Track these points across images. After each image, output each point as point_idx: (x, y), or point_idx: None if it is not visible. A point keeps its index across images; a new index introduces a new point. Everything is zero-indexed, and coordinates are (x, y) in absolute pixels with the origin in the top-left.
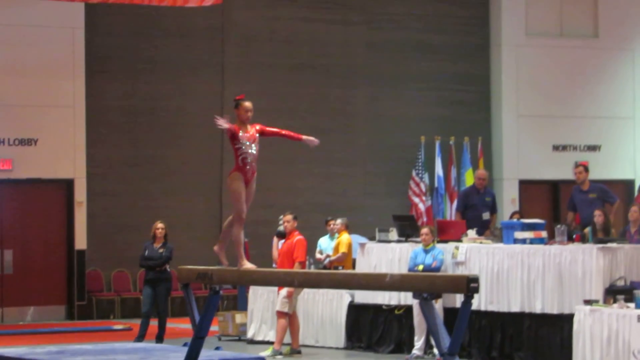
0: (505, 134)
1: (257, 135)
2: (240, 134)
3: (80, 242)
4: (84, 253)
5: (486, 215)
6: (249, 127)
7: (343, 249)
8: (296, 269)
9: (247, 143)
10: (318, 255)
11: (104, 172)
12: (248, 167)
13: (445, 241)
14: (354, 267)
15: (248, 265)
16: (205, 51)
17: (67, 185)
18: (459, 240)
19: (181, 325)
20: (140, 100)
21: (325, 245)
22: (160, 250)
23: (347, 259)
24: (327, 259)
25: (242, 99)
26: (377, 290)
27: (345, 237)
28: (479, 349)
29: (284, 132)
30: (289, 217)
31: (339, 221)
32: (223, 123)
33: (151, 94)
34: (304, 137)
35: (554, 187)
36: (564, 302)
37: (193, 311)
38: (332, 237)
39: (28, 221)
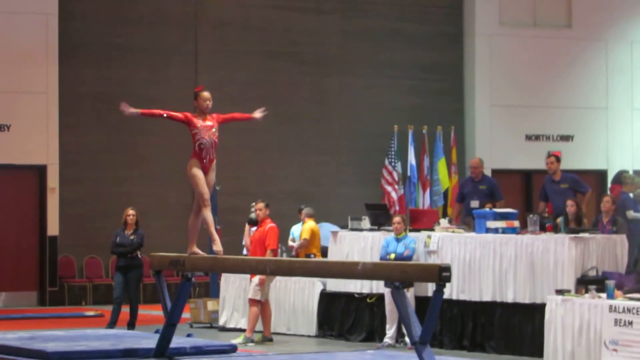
0: (478, 124)
1: (216, 124)
2: (196, 121)
3: (53, 228)
4: (56, 239)
5: (474, 203)
6: (207, 116)
7: (305, 236)
8: (268, 256)
9: (204, 130)
10: (290, 243)
11: (76, 158)
12: (204, 153)
13: (418, 230)
14: (324, 254)
15: (198, 251)
16: (179, 38)
17: (40, 172)
18: (431, 229)
19: (153, 312)
20: (114, 87)
21: (298, 233)
22: (132, 237)
23: (311, 246)
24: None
25: (201, 90)
26: (349, 279)
27: (308, 224)
28: (450, 338)
29: (236, 115)
30: (261, 204)
31: (304, 210)
32: (125, 108)
33: (124, 81)
34: (253, 114)
35: (527, 176)
36: (536, 292)
37: (165, 298)
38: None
39: (0, 207)
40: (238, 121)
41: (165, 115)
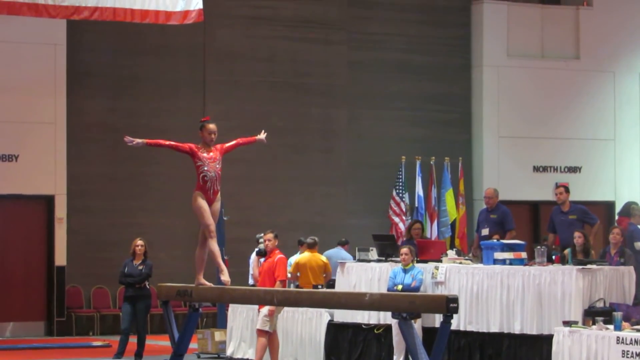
0: (485, 155)
1: (219, 156)
2: (200, 153)
3: (60, 258)
4: (64, 269)
5: (484, 232)
6: (212, 148)
7: (290, 270)
8: (277, 287)
9: (208, 162)
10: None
11: (84, 188)
12: (209, 185)
13: (425, 261)
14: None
15: (227, 277)
16: (187, 69)
17: (48, 202)
18: (439, 260)
19: (160, 343)
20: (122, 117)
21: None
22: (140, 268)
23: (305, 277)
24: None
25: (207, 121)
26: (356, 310)
27: (299, 256)
28: None
29: (240, 140)
30: (270, 235)
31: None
32: (129, 140)
33: (132, 111)
34: (257, 137)
35: (534, 208)
36: (543, 323)
37: (172, 328)
38: None
39: (8, 237)
40: (243, 146)
41: (169, 145)
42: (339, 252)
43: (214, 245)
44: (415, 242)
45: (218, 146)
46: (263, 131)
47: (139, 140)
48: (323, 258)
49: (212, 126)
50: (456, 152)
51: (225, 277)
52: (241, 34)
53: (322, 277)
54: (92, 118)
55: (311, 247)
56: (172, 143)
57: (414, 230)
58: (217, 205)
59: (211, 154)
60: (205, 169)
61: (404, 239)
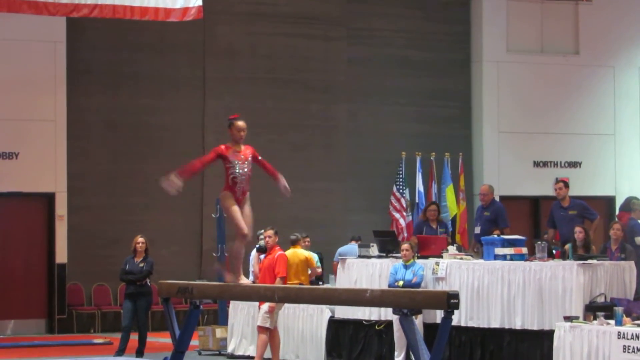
0: (485, 150)
1: (250, 157)
2: (230, 154)
3: (61, 255)
4: (65, 267)
5: (477, 230)
6: (242, 147)
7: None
8: (278, 284)
9: (237, 163)
10: None
11: (85, 186)
12: (238, 187)
13: (426, 257)
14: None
15: (244, 280)
16: (187, 66)
17: (48, 199)
18: (440, 256)
19: (161, 340)
20: (122, 114)
21: None
22: (141, 265)
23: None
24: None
25: (236, 119)
26: (357, 306)
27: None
28: None
29: (268, 166)
30: (270, 232)
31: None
32: (167, 186)
33: (132, 108)
34: (281, 181)
35: (535, 203)
36: (544, 319)
37: (173, 325)
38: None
39: (9, 235)
40: (264, 170)
41: (202, 166)
42: (352, 248)
43: (240, 246)
44: (431, 225)
45: (250, 149)
46: (286, 186)
47: (178, 183)
48: (305, 253)
49: (241, 123)
50: (456, 147)
51: (230, 279)
52: (241, 31)
53: (305, 273)
54: (92, 115)
55: (294, 243)
56: (203, 162)
57: (430, 212)
58: (247, 206)
59: (241, 155)
60: (236, 170)
61: (421, 219)
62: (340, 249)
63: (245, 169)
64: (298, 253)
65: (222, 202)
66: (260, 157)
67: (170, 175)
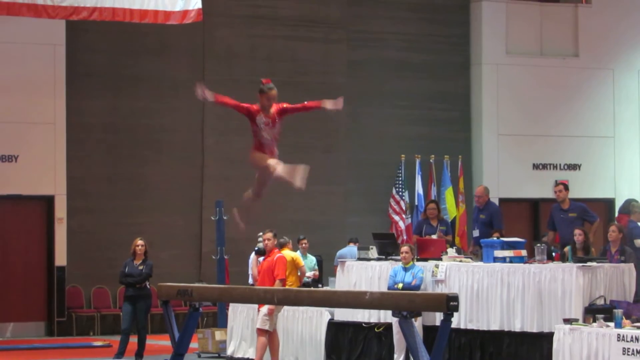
0: (485, 153)
1: (277, 118)
2: (258, 119)
3: (61, 258)
4: (64, 269)
5: (475, 232)
6: (270, 111)
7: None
8: (277, 286)
9: (263, 126)
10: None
11: (84, 188)
12: (264, 148)
13: (425, 259)
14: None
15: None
16: (186, 68)
17: (48, 202)
18: (439, 259)
19: (161, 342)
20: (121, 117)
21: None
22: (140, 267)
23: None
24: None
25: (269, 86)
26: (356, 308)
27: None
28: None
29: (307, 104)
30: (269, 234)
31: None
32: (201, 93)
33: (132, 111)
34: (323, 102)
35: (534, 205)
36: (544, 321)
37: (172, 328)
38: (304, 255)
39: (8, 237)
40: (308, 111)
41: (233, 104)
42: (351, 250)
43: (279, 170)
44: (431, 223)
45: (276, 107)
46: (339, 99)
47: (209, 94)
48: (292, 254)
49: (273, 92)
50: (456, 150)
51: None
52: (240, 33)
53: (295, 273)
54: (91, 118)
55: (281, 246)
56: (236, 104)
57: (429, 210)
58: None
59: (269, 119)
60: (262, 134)
61: (421, 218)
62: (340, 252)
63: (273, 132)
64: (285, 255)
65: (251, 158)
66: (288, 106)
67: (208, 91)
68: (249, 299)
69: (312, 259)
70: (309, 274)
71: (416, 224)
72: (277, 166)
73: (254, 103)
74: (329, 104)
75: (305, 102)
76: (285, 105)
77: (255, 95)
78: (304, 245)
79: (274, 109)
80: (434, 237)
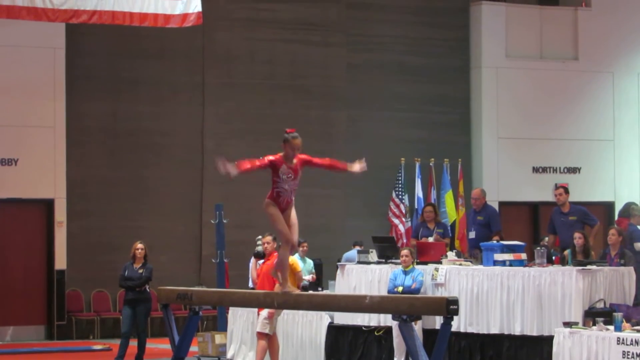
0: (485, 156)
1: (300, 170)
2: (280, 171)
3: (60, 262)
4: (64, 273)
5: (471, 234)
6: (294, 161)
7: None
8: (277, 289)
9: (285, 178)
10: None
11: (84, 192)
12: (281, 199)
13: (425, 262)
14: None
15: (291, 289)
16: (186, 72)
17: (48, 205)
18: (439, 262)
19: (160, 346)
20: (121, 120)
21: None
22: (140, 271)
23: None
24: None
25: (293, 135)
26: (356, 312)
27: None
28: None
29: (332, 164)
30: (268, 238)
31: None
32: (223, 168)
33: (132, 115)
34: (349, 165)
35: (534, 208)
36: (544, 324)
37: (172, 332)
38: (302, 258)
39: (8, 241)
40: (329, 170)
41: (257, 167)
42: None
43: (285, 254)
44: (428, 226)
45: (300, 159)
46: (363, 161)
47: (233, 172)
48: (290, 258)
49: (297, 142)
50: (455, 153)
51: (278, 288)
52: (240, 37)
53: (292, 277)
54: (91, 121)
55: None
56: (254, 166)
57: (426, 214)
58: (293, 211)
59: (291, 171)
60: (283, 186)
61: (419, 221)
62: (346, 255)
63: (291, 184)
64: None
65: (265, 209)
66: (313, 159)
67: (229, 164)
68: (248, 302)
69: (310, 263)
70: (307, 277)
71: (414, 228)
72: (288, 245)
73: (275, 153)
74: (355, 167)
75: (331, 161)
76: (310, 158)
77: (256, 97)
78: (304, 248)
79: (297, 159)
80: (430, 239)
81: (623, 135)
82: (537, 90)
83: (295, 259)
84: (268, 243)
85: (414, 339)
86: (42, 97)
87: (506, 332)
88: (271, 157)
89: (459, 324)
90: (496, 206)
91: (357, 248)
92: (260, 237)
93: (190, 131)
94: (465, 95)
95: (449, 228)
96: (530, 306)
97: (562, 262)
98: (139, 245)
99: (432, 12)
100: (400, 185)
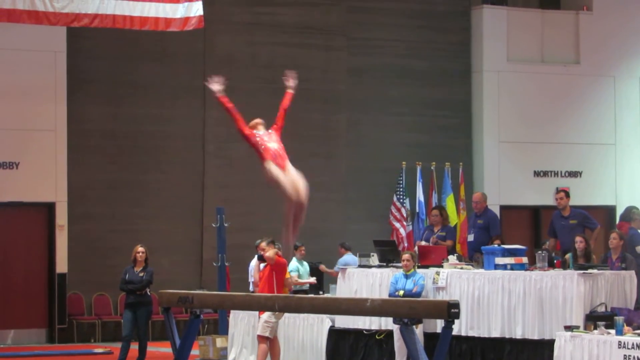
0: (486, 160)
1: (274, 133)
2: (255, 132)
3: (61, 265)
4: (65, 276)
5: (470, 237)
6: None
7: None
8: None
9: (264, 136)
10: (297, 280)
11: (85, 195)
12: (273, 152)
13: (426, 266)
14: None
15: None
16: (187, 75)
17: (49, 209)
18: (440, 266)
19: (162, 349)
20: (122, 124)
21: (294, 267)
22: (141, 274)
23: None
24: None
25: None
26: (357, 315)
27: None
28: None
29: (282, 107)
30: (263, 244)
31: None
32: (211, 84)
33: (133, 118)
34: (288, 90)
35: (535, 212)
36: (545, 328)
37: (174, 335)
38: (300, 261)
39: (9, 245)
40: (287, 109)
41: (235, 116)
42: (353, 258)
43: (289, 210)
44: (434, 229)
45: (273, 129)
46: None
47: (217, 87)
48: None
49: (256, 121)
50: (457, 157)
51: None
52: (241, 40)
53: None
54: (92, 125)
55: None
56: (238, 121)
57: (432, 217)
58: (290, 167)
59: (264, 135)
60: (263, 140)
61: (427, 225)
62: (342, 260)
63: (275, 142)
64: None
65: (266, 173)
66: (277, 121)
67: (217, 85)
68: (250, 306)
69: (307, 266)
70: (309, 280)
71: (422, 231)
72: (295, 204)
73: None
74: (290, 89)
75: (281, 108)
76: (275, 122)
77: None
78: (302, 252)
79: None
80: (423, 243)
81: (624, 139)
82: (538, 94)
83: (286, 266)
84: (263, 250)
85: (415, 343)
86: (43, 101)
87: (507, 336)
88: (247, 132)
89: (460, 328)
90: (497, 210)
91: (350, 253)
92: (259, 241)
93: (191, 135)
94: (467, 99)
95: (453, 231)
96: (532, 310)
97: (564, 265)
98: (140, 249)
99: (433, 15)
100: (401, 189)
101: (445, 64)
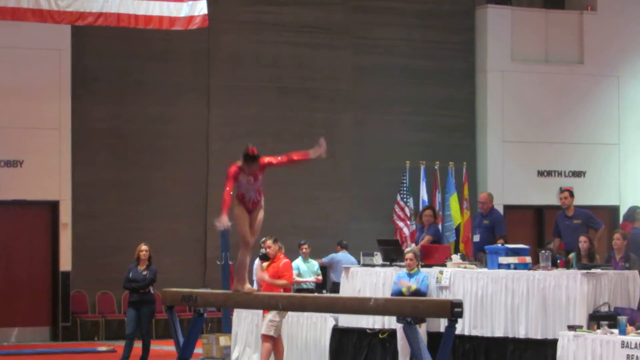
0: (490, 159)
1: (260, 175)
2: (241, 177)
3: (65, 263)
4: (69, 275)
5: (476, 237)
6: (252, 166)
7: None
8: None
9: (245, 185)
10: (296, 279)
11: (89, 194)
12: (246, 199)
13: (430, 265)
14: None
15: (248, 287)
16: (191, 74)
17: (53, 207)
18: (443, 265)
19: (165, 348)
20: (126, 122)
21: (299, 266)
22: (144, 273)
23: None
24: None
25: (253, 155)
26: (361, 314)
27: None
28: None
29: (292, 157)
30: (269, 242)
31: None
32: (220, 226)
33: (137, 117)
34: (311, 152)
35: (539, 212)
36: (548, 328)
37: (177, 333)
38: (304, 259)
39: (13, 242)
40: (294, 164)
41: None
42: (346, 256)
43: (244, 255)
44: (425, 230)
45: (260, 162)
46: (322, 141)
47: (226, 220)
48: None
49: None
50: (460, 156)
51: (245, 288)
52: (245, 40)
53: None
54: (96, 123)
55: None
56: (230, 193)
57: (425, 217)
58: (260, 212)
59: (250, 177)
60: (242, 190)
61: (418, 224)
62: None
63: (253, 188)
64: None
65: (232, 210)
66: (272, 162)
67: (222, 217)
68: (253, 304)
69: (314, 264)
70: (311, 278)
71: (413, 230)
72: (247, 247)
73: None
74: (317, 152)
75: (289, 156)
76: (270, 161)
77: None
78: (304, 250)
79: (257, 166)
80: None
81: (628, 139)
82: (542, 93)
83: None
84: (269, 247)
85: (418, 342)
86: (48, 99)
87: (510, 336)
88: (230, 174)
89: (463, 327)
90: (501, 209)
91: (345, 251)
92: (264, 239)
93: (196, 133)
94: (471, 99)
95: (439, 230)
96: (535, 309)
97: (567, 265)
98: (144, 247)
99: (437, 15)
100: (405, 188)
101: (450, 63)
